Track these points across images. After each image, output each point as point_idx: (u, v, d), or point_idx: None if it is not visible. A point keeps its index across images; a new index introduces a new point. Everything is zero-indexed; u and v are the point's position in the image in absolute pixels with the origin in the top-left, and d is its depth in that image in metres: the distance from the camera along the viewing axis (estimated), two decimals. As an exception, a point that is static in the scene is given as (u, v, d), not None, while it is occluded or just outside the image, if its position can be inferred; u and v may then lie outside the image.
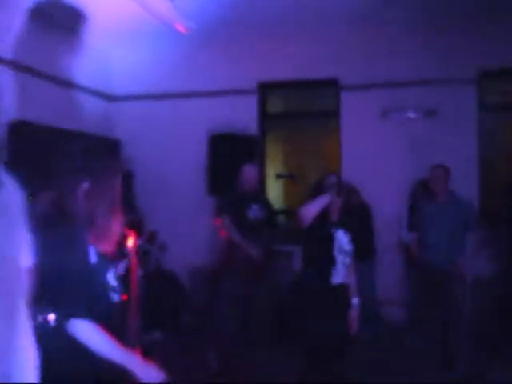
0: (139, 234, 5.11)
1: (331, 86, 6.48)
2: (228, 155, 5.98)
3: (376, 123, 6.20)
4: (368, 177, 6.01)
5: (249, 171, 4.87)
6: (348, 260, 3.33)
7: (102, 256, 2.03)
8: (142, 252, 5.38)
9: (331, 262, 3.25)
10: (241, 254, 4.58)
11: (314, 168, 6.51)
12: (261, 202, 4.87)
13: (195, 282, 6.37)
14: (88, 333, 1.89)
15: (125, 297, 2.18)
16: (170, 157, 6.75)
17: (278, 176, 5.56)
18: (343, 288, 3.34)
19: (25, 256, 1.46)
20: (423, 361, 4.81)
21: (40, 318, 1.80)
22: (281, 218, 6.62)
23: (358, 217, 5.48)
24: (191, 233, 6.61)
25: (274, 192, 6.75)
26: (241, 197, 4.77)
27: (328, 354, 3.17)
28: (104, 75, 6.53)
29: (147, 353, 2.31)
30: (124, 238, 2.61)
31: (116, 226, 2.01)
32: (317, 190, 3.33)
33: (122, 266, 2.75)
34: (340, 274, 3.32)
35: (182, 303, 6.04)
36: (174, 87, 6.59)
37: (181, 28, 4.67)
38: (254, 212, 4.75)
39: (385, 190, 6.05)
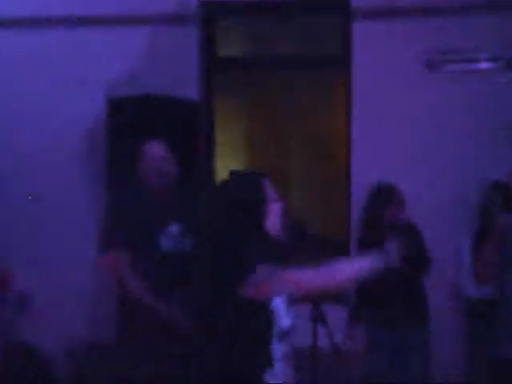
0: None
1: (335, 11, 5.48)
2: (143, 133, 4.41)
3: (415, 78, 5.13)
4: (397, 175, 4.69)
5: (154, 152, 3.89)
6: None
7: None
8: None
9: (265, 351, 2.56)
10: (150, 318, 3.68)
11: (303, 160, 5.51)
12: (186, 215, 3.80)
13: (75, 365, 5.04)
14: None
15: None
16: (43, 126, 5.36)
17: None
18: None
19: None
20: None
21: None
22: None
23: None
24: (72, 275, 5.12)
25: None
26: (146, 206, 3.78)
27: None
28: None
29: None
30: None
31: None
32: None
33: None
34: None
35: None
36: (69, 9, 5.50)
37: None
38: (171, 239, 3.79)
39: (428, 201, 4.87)
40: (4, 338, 4.90)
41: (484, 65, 5.06)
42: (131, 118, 4.86)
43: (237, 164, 5.31)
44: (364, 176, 4.89)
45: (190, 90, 5.18)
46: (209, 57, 5.44)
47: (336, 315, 3.81)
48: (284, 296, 2.68)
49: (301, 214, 5.02)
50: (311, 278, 2.55)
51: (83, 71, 5.40)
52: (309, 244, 3.79)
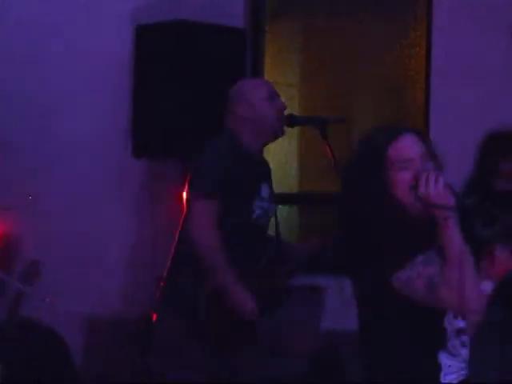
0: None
1: None
2: (180, 67, 4.20)
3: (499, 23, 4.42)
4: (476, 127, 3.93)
5: (277, 102, 3.19)
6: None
7: None
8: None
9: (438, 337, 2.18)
10: (224, 304, 3.12)
11: (368, 102, 4.92)
12: (269, 175, 3.34)
13: (99, 345, 4.79)
14: None
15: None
16: (67, 63, 4.80)
17: (299, 120, 3.45)
18: None
19: None
20: None
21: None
22: (290, 213, 4.90)
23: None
24: (97, 245, 4.83)
25: (278, 153, 4.77)
26: (241, 164, 3.14)
27: None
28: None
29: None
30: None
31: None
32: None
33: None
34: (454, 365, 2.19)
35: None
36: None
37: None
38: (263, 202, 3.23)
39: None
40: (11, 313, 4.46)
41: None
42: (162, 47, 4.33)
43: (290, 107, 4.59)
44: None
45: (233, 16, 4.69)
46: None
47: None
48: None
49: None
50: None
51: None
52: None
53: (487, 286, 2.03)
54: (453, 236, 1.96)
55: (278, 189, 3.57)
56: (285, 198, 4.46)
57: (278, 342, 4.01)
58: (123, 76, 4.51)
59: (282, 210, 4.14)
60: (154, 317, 3.32)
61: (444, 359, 2.04)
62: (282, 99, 3.30)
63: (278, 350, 4.01)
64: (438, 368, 2.02)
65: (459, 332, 2.04)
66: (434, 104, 4.47)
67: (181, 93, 4.08)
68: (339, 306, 3.89)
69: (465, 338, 1.95)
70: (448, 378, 2.05)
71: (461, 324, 2.04)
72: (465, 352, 1.95)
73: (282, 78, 5.02)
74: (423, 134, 2.11)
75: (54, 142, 4.92)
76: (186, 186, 3.21)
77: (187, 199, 3.13)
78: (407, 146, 2.00)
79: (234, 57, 4.27)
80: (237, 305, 3.08)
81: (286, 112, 3.26)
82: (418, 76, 4.67)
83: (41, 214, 4.81)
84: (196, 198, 3.07)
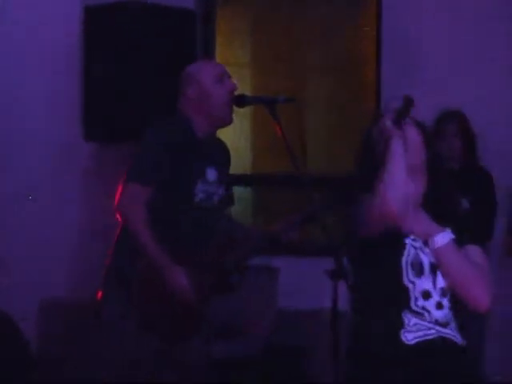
0: None
1: None
2: (131, 49, 4.17)
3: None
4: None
5: (227, 84, 3.17)
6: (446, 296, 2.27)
7: None
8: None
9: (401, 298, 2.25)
10: (161, 280, 3.04)
11: (319, 83, 4.92)
12: (220, 159, 3.26)
13: (53, 331, 4.74)
14: None
15: None
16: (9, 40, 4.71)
17: (249, 100, 3.31)
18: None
19: None
20: None
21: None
22: (244, 195, 4.90)
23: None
24: (47, 227, 4.76)
25: (231, 134, 4.61)
26: (187, 146, 3.12)
27: None
28: None
29: None
30: None
31: None
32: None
33: None
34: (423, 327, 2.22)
35: (24, 372, 4.43)
36: None
37: None
38: (208, 186, 3.17)
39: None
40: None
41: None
42: (112, 28, 4.25)
43: (242, 87, 4.65)
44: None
45: None
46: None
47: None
48: None
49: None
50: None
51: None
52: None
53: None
54: (393, 152, 2.08)
55: (231, 170, 3.55)
56: (238, 179, 4.44)
57: (232, 324, 3.99)
58: (73, 59, 4.42)
59: (236, 191, 4.15)
60: (99, 295, 3.31)
61: (409, 318, 2.09)
62: (234, 80, 3.30)
63: (232, 332, 4.01)
64: (400, 325, 2.08)
65: (426, 295, 2.09)
66: (384, 85, 4.46)
67: (131, 75, 4.03)
68: (293, 286, 3.93)
69: (434, 301, 2.02)
70: (407, 336, 2.11)
71: (426, 286, 2.10)
72: (440, 314, 2.02)
73: (233, 58, 4.96)
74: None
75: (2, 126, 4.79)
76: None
77: (122, 182, 3.15)
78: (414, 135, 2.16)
79: (185, 38, 4.22)
80: (167, 280, 3.08)
81: (237, 92, 3.25)
82: (369, 56, 4.66)
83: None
84: (128, 180, 3.10)
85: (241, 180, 4.61)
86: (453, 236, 2.05)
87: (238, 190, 4.55)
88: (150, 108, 3.85)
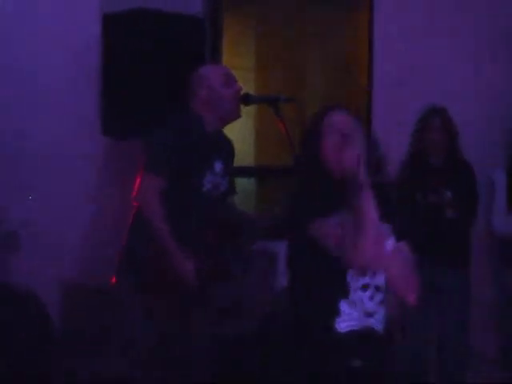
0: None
1: None
2: (145, 52, 4.18)
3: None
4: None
5: (231, 81, 3.31)
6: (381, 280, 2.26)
7: None
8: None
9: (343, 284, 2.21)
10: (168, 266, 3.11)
11: (320, 84, 5.00)
12: (226, 153, 3.36)
13: (73, 311, 4.64)
14: None
15: None
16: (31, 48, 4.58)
17: (253, 98, 3.47)
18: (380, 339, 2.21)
19: None
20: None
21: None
22: (248, 185, 4.97)
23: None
24: (66, 216, 4.59)
25: (236, 131, 4.48)
26: (197, 139, 3.20)
27: None
28: None
29: None
30: None
31: None
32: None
33: None
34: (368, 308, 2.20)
35: (47, 349, 4.00)
36: None
37: None
38: (215, 177, 3.26)
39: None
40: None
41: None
42: (127, 35, 4.33)
43: (246, 89, 4.74)
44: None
45: (192, 4, 4.66)
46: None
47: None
48: None
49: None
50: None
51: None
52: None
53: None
54: (364, 205, 2.01)
55: (236, 163, 3.65)
56: (242, 171, 4.52)
57: (232, 306, 4.02)
58: (93, 61, 4.54)
59: (241, 183, 4.25)
60: (114, 279, 3.38)
61: (344, 307, 2.15)
62: (239, 82, 3.39)
63: (232, 314, 4.01)
64: (335, 314, 2.13)
65: (364, 287, 2.16)
66: (376, 85, 4.66)
67: (146, 77, 4.13)
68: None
69: (369, 292, 2.08)
70: (342, 325, 2.17)
71: (366, 281, 2.17)
72: (371, 305, 2.07)
73: (239, 62, 5.03)
74: (354, 113, 2.29)
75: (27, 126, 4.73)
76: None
77: (140, 172, 3.23)
78: (338, 118, 2.19)
79: (195, 44, 4.32)
80: (175, 266, 3.14)
81: (242, 92, 3.35)
82: (362, 59, 4.80)
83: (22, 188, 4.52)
84: (145, 171, 3.17)
85: (245, 172, 4.66)
86: (395, 243, 2.07)
87: (242, 181, 4.59)
88: (163, 107, 3.92)
